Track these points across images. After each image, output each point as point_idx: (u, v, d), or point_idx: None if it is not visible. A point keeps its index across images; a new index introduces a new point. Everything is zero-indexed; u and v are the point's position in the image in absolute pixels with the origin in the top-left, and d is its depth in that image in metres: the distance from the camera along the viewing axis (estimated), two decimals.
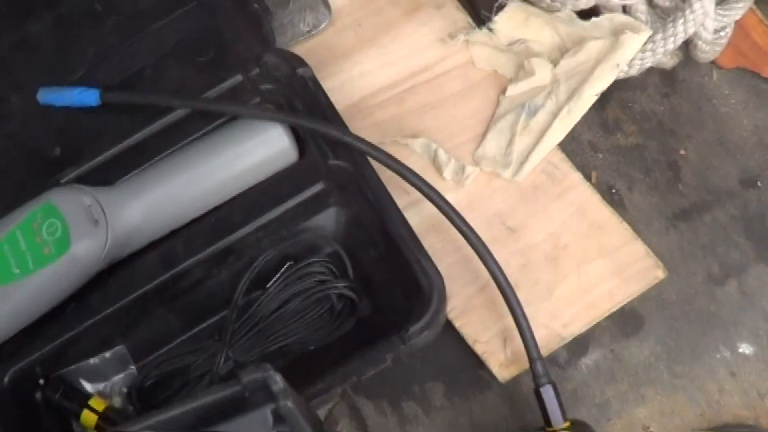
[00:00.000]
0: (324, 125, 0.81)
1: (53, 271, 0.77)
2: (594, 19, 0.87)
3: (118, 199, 0.81)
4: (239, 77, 0.86)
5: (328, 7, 0.93)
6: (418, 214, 0.85)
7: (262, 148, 0.83)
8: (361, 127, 0.89)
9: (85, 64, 0.91)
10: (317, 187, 0.83)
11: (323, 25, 0.92)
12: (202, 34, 0.90)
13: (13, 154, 0.89)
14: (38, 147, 0.89)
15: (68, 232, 0.77)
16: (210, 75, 0.88)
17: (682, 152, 0.91)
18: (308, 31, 0.92)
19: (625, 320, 0.86)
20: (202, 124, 0.86)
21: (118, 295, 0.81)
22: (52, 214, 0.78)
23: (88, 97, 0.86)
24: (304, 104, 0.85)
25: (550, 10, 0.88)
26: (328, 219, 0.84)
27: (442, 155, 0.87)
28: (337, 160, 0.82)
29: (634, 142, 0.92)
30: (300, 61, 0.86)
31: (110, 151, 0.86)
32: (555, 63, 0.89)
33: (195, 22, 0.91)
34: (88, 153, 0.87)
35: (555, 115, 0.88)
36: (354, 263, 0.83)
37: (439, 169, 0.87)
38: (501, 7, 0.90)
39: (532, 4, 0.89)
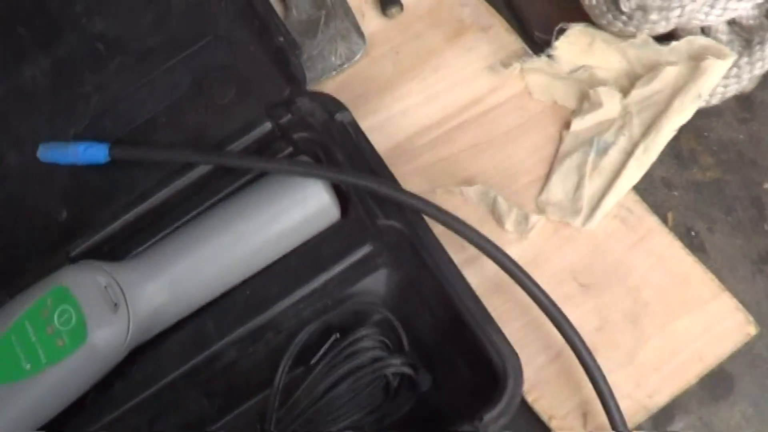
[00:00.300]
0: (371, 180, 0.71)
1: (69, 366, 0.67)
2: (673, 43, 0.76)
3: (138, 276, 0.71)
4: (268, 125, 0.76)
5: (361, 35, 0.82)
6: (478, 272, 0.76)
7: (299, 208, 0.73)
8: (407, 173, 0.79)
9: (89, 113, 0.80)
10: (364, 249, 0.73)
11: (358, 57, 0.82)
12: (220, 73, 0.79)
13: (13, 221, 0.79)
14: (41, 211, 0.79)
15: (84, 320, 0.67)
16: (233, 120, 0.78)
17: (766, 186, 0.81)
18: (341, 65, 0.81)
19: (714, 382, 0.77)
20: (228, 181, 0.77)
21: (144, 384, 0.72)
22: (65, 300, 0.68)
23: (96, 153, 0.76)
24: (344, 154, 0.75)
25: (622, 35, 0.77)
26: (377, 282, 0.74)
27: (501, 204, 0.77)
28: (388, 219, 0.73)
29: (712, 177, 0.82)
30: (338, 105, 0.76)
31: (125, 216, 0.77)
32: (624, 92, 0.79)
33: (211, 60, 0.80)
34: (100, 218, 0.77)
35: (629, 153, 0.78)
36: (408, 332, 0.73)
37: (499, 219, 0.78)
38: (561, 31, 0.79)
39: (598, 27, 0.78)
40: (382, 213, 0.72)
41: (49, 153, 0.77)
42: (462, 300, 0.69)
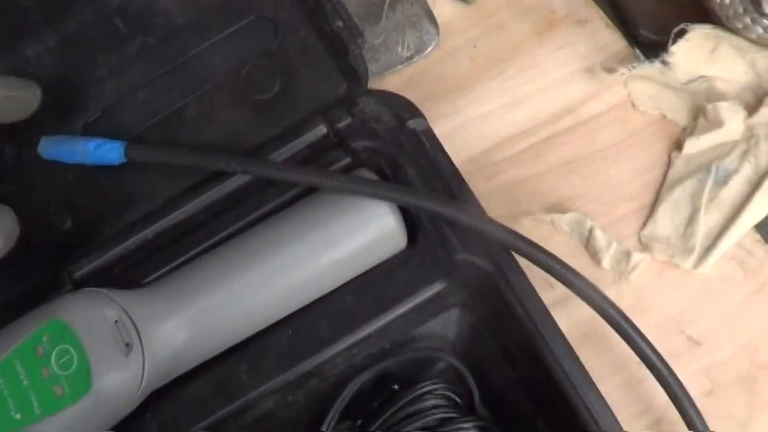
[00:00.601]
0: (451, 206, 0.59)
1: (68, 419, 0.55)
2: None
3: (156, 309, 0.58)
4: (322, 128, 0.63)
5: (434, 23, 0.69)
6: (569, 316, 0.64)
7: (358, 233, 0.60)
8: (485, 192, 0.66)
9: (102, 102, 0.67)
10: (435, 287, 0.61)
11: (429, 49, 0.69)
12: (263, 61, 0.66)
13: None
14: (41, 218, 0.66)
15: (88, 365, 0.55)
16: (277, 120, 0.66)
17: None
18: (409, 57, 0.69)
19: None
20: (270, 196, 0.64)
21: None
22: (64, 337, 0.56)
23: (109, 153, 0.63)
24: (416, 170, 0.62)
25: (760, 42, 0.64)
26: (445, 324, 0.63)
27: (599, 237, 0.65)
28: (468, 253, 0.60)
29: None
30: (410, 109, 0.64)
31: (142, 232, 0.64)
32: (749, 110, 0.67)
33: (252, 45, 0.67)
34: (110, 231, 0.65)
35: (754, 184, 0.66)
36: (480, 385, 0.62)
37: (594, 255, 0.66)
38: (680, 33, 0.65)
39: (728, 31, 0.65)
40: (462, 246, 0.60)
41: (53, 149, 0.64)
42: (556, 356, 0.58)
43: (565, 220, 0.67)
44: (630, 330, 0.59)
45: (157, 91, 0.67)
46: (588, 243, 0.66)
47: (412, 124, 0.62)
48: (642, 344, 0.59)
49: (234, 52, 0.67)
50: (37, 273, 0.65)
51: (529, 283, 0.59)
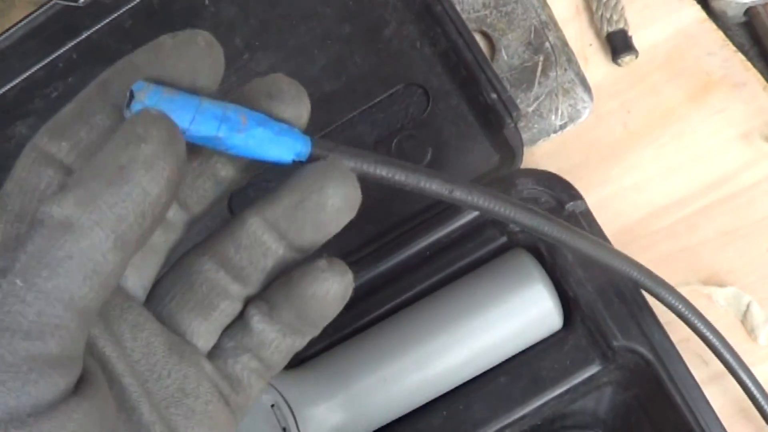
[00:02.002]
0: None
1: None
2: None
3: (312, 392, 0.60)
4: None
5: (588, 89, 0.68)
6: (723, 393, 0.64)
7: (515, 316, 0.61)
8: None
9: None
10: (591, 369, 0.62)
11: (584, 117, 0.67)
12: (413, 131, 0.67)
13: None
14: None
15: None
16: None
17: None
18: (562, 125, 0.68)
19: None
20: (423, 276, 0.65)
21: None
22: None
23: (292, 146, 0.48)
24: (573, 254, 0.62)
25: None
26: (598, 401, 0.64)
27: (756, 313, 0.65)
28: (627, 340, 0.60)
29: None
30: (569, 191, 0.63)
31: None
32: None
33: (402, 114, 0.68)
34: None
35: None
36: None
37: (751, 331, 0.65)
38: None
39: None
40: (621, 332, 0.60)
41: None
42: None
43: (722, 294, 0.66)
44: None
45: None
46: (745, 318, 0.66)
47: (571, 206, 0.62)
48: None
49: (384, 120, 0.68)
50: None
51: (688, 370, 0.60)
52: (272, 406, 0.58)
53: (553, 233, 0.48)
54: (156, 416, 0.36)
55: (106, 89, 0.36)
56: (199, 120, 0.36)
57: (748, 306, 0.66)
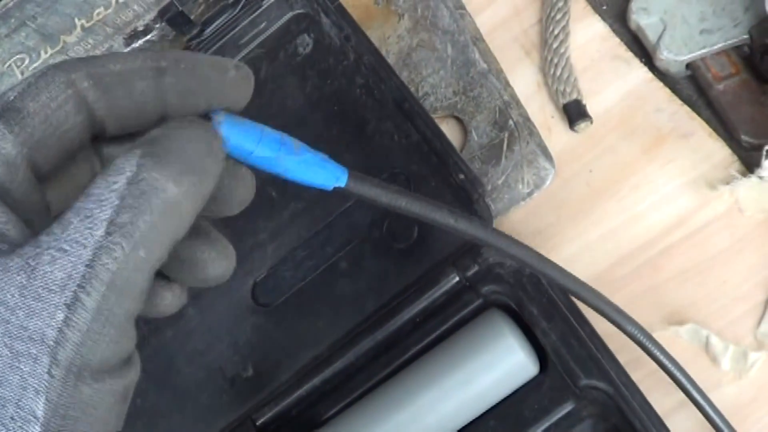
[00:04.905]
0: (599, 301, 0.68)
1: None
2: None
3: None
4: (454, 276, 0.75)
5: (549, 157, 0.80)
6: (692, 415, 0.72)
7: (492, 368, 0.73)
8: None
9: (267, 262, 0.82)
10: (566, 407, 0.73)
11: (547, 183, 0.79)
12: (400, 213, 0.78)
13: (198, 380, 0.82)
14: (227, 368, 0.82)
15: None
16: (414, 267, 0.78)
17: None
18: (529, 193, 0.79)
19: None
20: (413, 341, 0.77)
21: None
22: None
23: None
24: (538, 307, 0.74)
25: None
26: None
27: (715, 343, 0.75)
28: (589, 378, 0.72)
29: None
30: None
31: (312, 381, 0.78)
32: None
33: None
34: (285, 375, 0.79)
35: None
36: None
37: (714, 359, 0.75)
38: None
39: None
40: (583, 372, 0.72)
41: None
42: None
43: (683, 331, 0.77)
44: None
45: (313, 249, 0.81)
46: (707, 349, 0.77)
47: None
48: None
49: (374, 207, 0.81)
50: (225, 418, 0.79)
51: (645, 400, 0.70)
52: None
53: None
54: None
55: (161, 73, 0.42)
56: (264, 142, 0.47)
57: (707, 339, 0.76)
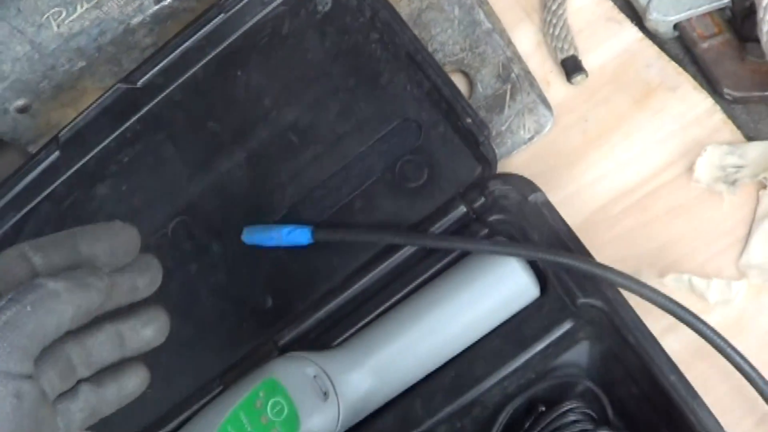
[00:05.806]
0: (567, 257, 0.77)
1: None
2: None
3: (345, 365, 0.80)
4: (462, 208, 0.83)
5: (548, 106, 0.88)
6: (679, 339, 0.80)
7: (499, 288, 0.80)
8: (605, 243, 0.85)
9: (286, 202, 0.89)
10: (565, 326, 0.79)
11: (546, 129, 0.87)
12: (412, 156, 0.86)
13: (222, 309, 0.89)
14: (248, 299, 0.89)
15: (296, 411, 0.76)
16: (427, 203, 0.85)
17: None
18: (530, 138, 0.87)
19: None
20: (427, 265, 0.84)
21: None
22: (276, 392, 0.77)
23: (299, 236, 0.84)
24: (539, 234, 0.81)
25: None
26: (579, 355, 0.80)
27: (698, 284, 0.82)
28: (587, 297, 0.78)
29: None
30: (531, 186, 0.82)
31: (328, 306, 0.85)
32: None
33: (402, 143, 0.88)
34: (304, 306, 0.86)
35: None
36: (613, 402, 0.79)
37: (701, 296, 0.83)
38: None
39: None
40: (580, 291, 0.78)
41: (255, 236, 0.86)
42: (665, 375, 0.74)
43: (667, 281, 0.83)
44: (725, 346, 0.75)
45: (330, 190, 0.88)
46: (692, 290, 0.83)
47: (533, 198, 0.81)
48: (737, 358, 0.75)
49: (387, 150, 0.87)
50: (249, 342, 0.87)
51: (637, 316, 0.76)
52: (314, 377, 0.77)
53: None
54: None
55: (74, 240, 0.57)
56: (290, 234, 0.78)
57: (689, 281, 0.83)
